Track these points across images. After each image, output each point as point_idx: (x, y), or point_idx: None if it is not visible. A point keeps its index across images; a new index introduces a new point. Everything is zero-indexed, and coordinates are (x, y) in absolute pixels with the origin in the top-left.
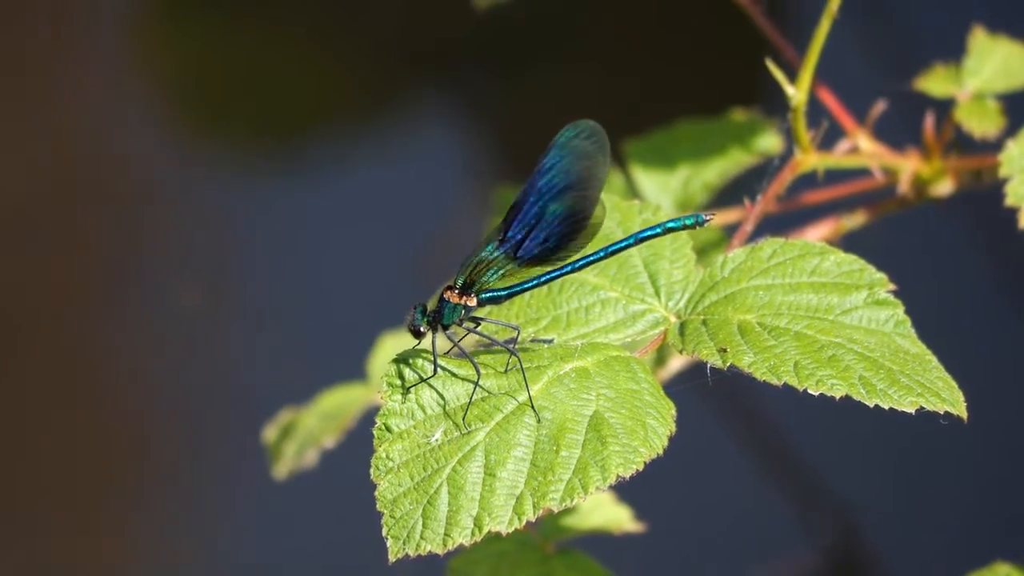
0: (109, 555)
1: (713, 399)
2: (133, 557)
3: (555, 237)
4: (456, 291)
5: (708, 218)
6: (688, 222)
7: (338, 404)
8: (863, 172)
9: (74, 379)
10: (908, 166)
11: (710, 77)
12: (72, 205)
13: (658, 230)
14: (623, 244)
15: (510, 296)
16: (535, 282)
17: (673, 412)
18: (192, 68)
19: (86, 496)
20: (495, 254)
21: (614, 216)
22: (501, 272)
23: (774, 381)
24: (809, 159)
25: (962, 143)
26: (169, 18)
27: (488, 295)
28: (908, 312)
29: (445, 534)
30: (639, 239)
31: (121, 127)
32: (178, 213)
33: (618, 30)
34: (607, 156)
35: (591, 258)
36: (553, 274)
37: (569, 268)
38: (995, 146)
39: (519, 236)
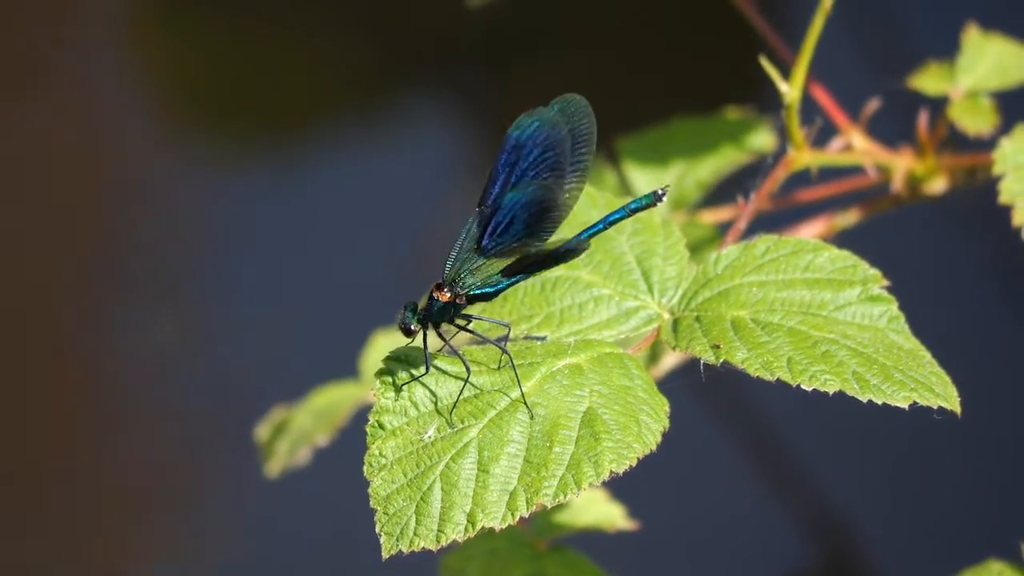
0: (105, 556)
1: (707, 396)
2: (128, 558)
3: (521, 234)
4: (445, 289)
5: (663, 192)
6: (647, 201)
7: (330, 402)
8: (857, 170)
9: (65, 375)
10: (902, 164)
11: (704, 74)
12: (71, 199)
13: (623, 212)
14: (596, 228)
15: (498, 293)
16: (520, 277)
17: (667, 408)
18: (185, 67)
19: (81, 499)
20: (470, 256)
21: (605, 214)
22: (476, 268)
23: (767, 377)
24: (803, 157)
25: (956, 141)
26: (164, 16)
27: (478, 292)
28: (902, 308)
29: (439, 530)
30: (608, 223)
31: (116, 122)
32: (169, 208)
33: (611, 26)
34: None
35: (566, 245)
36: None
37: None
38: (989, 144)
39: (491, 244)
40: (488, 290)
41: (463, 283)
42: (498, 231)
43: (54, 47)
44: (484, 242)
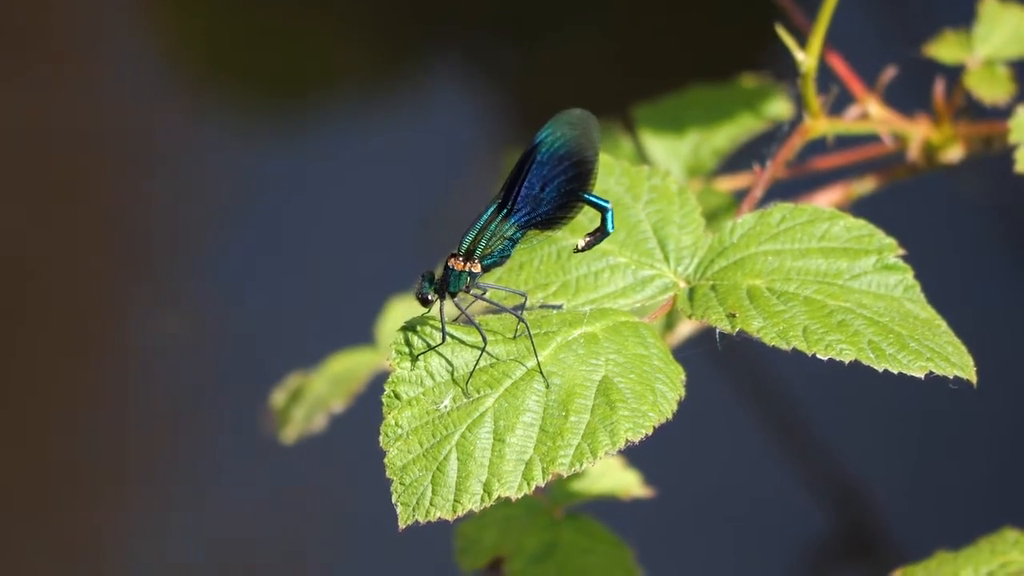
0: (123, 525)
1: (723, 364)
2: (140, 527)
3: (558, 206)
4: (460, 258)
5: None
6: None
7: (347, 368)
8: (873, 138)
9: (84, 337)
10: (918, 132)
11: (720, 42)
12: (85, 169)
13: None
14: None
15: (506, 257)
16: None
17: (682, 377)
18: (202, 36)
19: (98, 467)
20: (498, 223)
21: (623, 181)
22: (504, 238)
23: (783, 346)
24: (819, 125)
25: (972, 109)
26: None
27: (489, 260)
28: (918, 277)
29: (455, 500)
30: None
31: (131, 92)
32: (188, 176)
33: None
34: (596, 128)
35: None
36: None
37: None
38: (1005, 112)
39: (524, 208)
40: (500, 256)
41: (479, 251)
42: (535, 214)
43: (62, 19)
44: (510, 204)
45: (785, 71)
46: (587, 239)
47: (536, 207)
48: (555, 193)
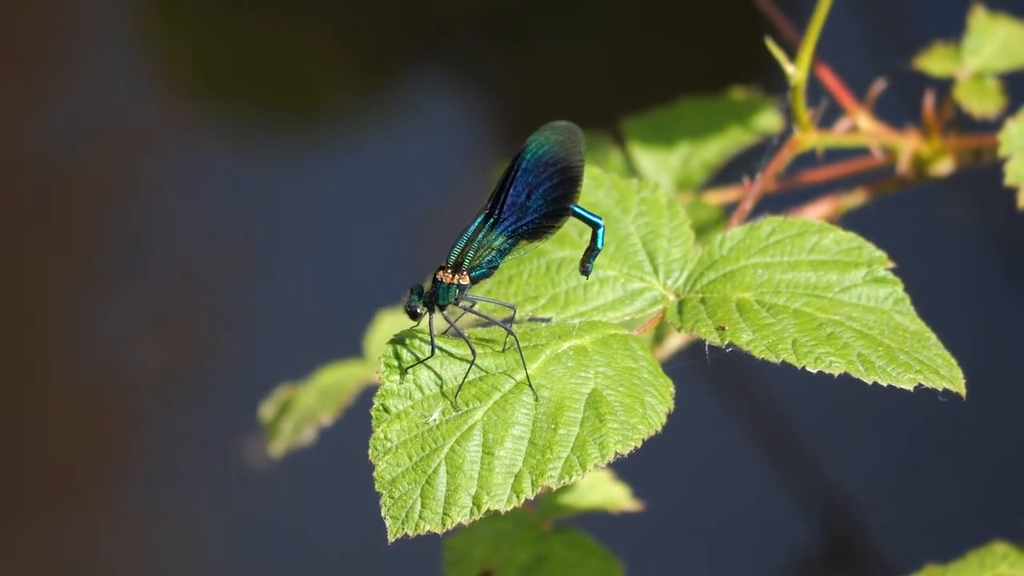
0: (105, 558)
1: (713, 377)
2: (128, 540)
3: (545, 215)
4: (448, 270)
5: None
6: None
7: (336, 381)
8: (862, 151)
9: (70, 347)
10: (908, 145)
11: (711, 53)
12: (73, 188)
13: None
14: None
15: (494, 268)
16: (512, 243)
17: (672, 390)
18: (191, 52)
19: (81, 476)
20: (484, 233)
21: (612, 194)
22: (491, 249)
23: (772, 359)
24: (808, 138)
25: (962, 122)
26: (171, 2)
27: (477, 272)
28: (907, 290)
29: (444, 513)
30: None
31: (120, 107)
32: (179, 189)
33: (620, 2)
34: (581, 138)
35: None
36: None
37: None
38: (995, 125)
39: (510, 217)
40: (487, 269)
41: (466, 263)
42: (522, 222)
43: (54, 34)
44: (510, 230)
45: (775, 84)
46: (585, 265)
47: (522, 216)
48: (541, 201)
